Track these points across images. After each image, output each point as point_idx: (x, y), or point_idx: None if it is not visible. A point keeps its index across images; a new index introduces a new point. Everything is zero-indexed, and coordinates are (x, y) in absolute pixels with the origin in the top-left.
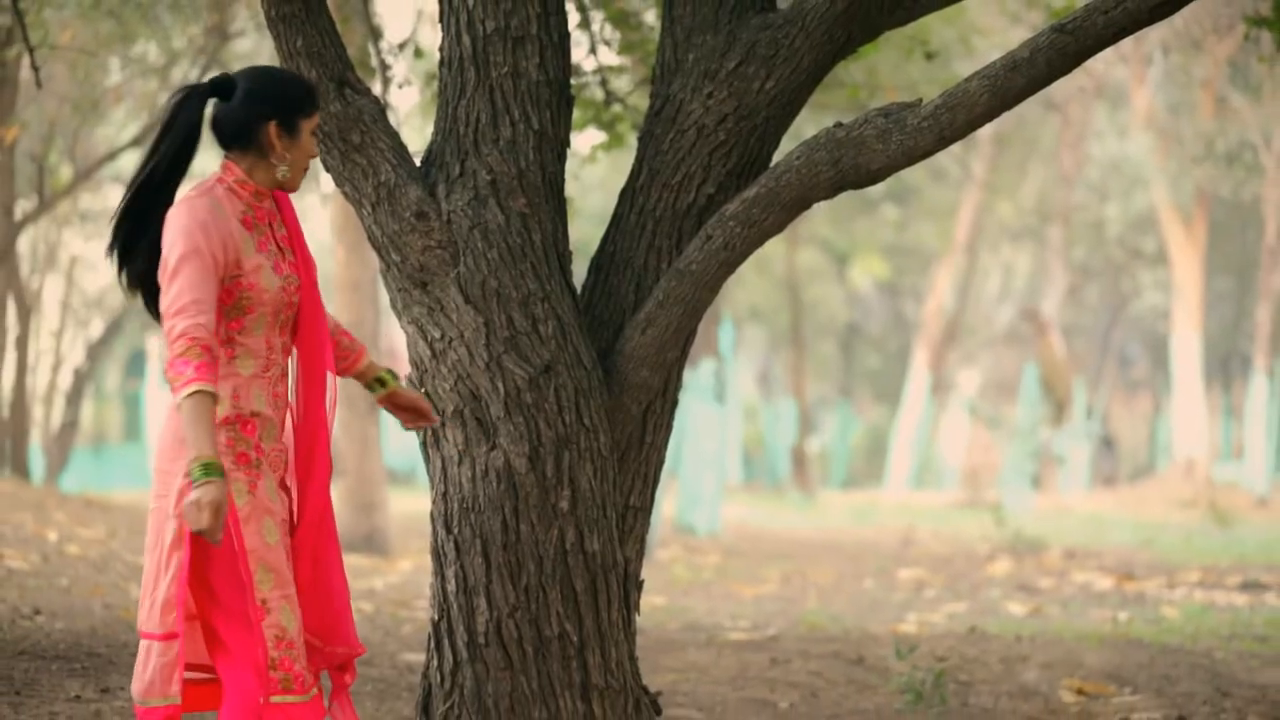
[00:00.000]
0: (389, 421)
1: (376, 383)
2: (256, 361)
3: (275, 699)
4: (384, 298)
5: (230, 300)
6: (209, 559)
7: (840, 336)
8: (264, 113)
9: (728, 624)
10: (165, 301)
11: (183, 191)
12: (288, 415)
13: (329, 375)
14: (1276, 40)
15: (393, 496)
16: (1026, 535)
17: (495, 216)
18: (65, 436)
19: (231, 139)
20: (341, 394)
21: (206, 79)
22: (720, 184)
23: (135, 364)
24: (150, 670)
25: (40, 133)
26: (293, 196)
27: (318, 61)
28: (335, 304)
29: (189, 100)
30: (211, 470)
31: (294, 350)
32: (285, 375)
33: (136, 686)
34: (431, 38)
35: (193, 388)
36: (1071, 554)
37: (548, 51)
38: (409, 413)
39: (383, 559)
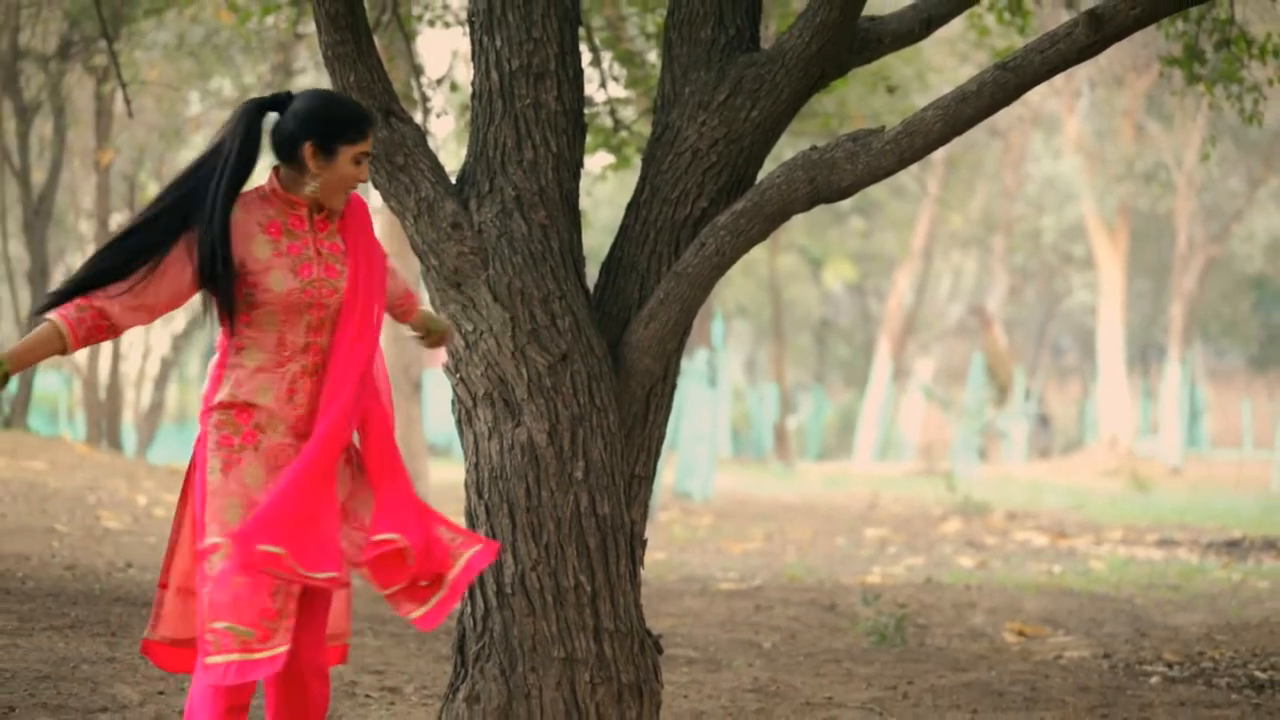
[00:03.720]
0: (429, 402)
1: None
2: (265, 355)
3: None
4: (425, 296)
5: (240, 294)
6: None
7: (815, 330)
8: (303, 132)
9: (719, 576)
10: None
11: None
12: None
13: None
14: (1186, 77)
15: (432, 467)
16: (974, 500)
17: (519, 227)
18: (153, 415)
19: (275, 150)
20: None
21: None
22: (712, 199)
23: (212, 353)
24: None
25: (131, 156)
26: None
27: (367, 94)
28: None
29: (249, 112)
30: None
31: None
32: (313, 373)
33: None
34: (465, 74)
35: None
36: (1012, 516)
37: (564, 85)
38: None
39: None
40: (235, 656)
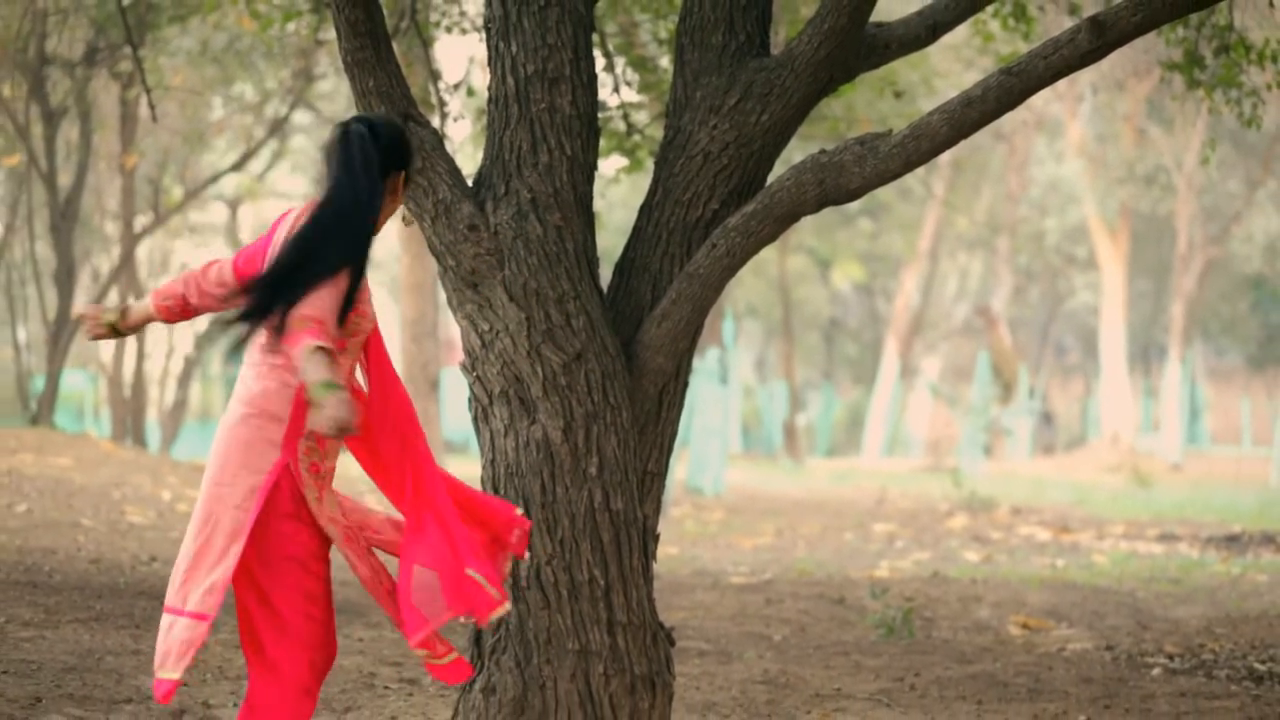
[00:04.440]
0: (446, 399)
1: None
2: (343, 382)
3: None
4: (442, 296)
5: (344, 324)
6: (266, 562)
7: (824, 329)
8: (399, 162)
9: (730, 570)
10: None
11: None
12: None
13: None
14: (1186, 81)
15: (450, 463)
16: (980, 495)
17: (535, 229)
18: (176, 413)
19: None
20: (404, 373)
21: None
22: (723, 201)
23: (235, 351)
24: (169, 642)
25: (156, 159)
26: None
27: (386, 99)
28: (402, 302)
29: (364, 136)
30: (333, 387)
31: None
32: None
33: (158, 656)
34: (482, 79)
35: (313, 343)
36: (1017, 511)
37: (578, 90)
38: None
39: None
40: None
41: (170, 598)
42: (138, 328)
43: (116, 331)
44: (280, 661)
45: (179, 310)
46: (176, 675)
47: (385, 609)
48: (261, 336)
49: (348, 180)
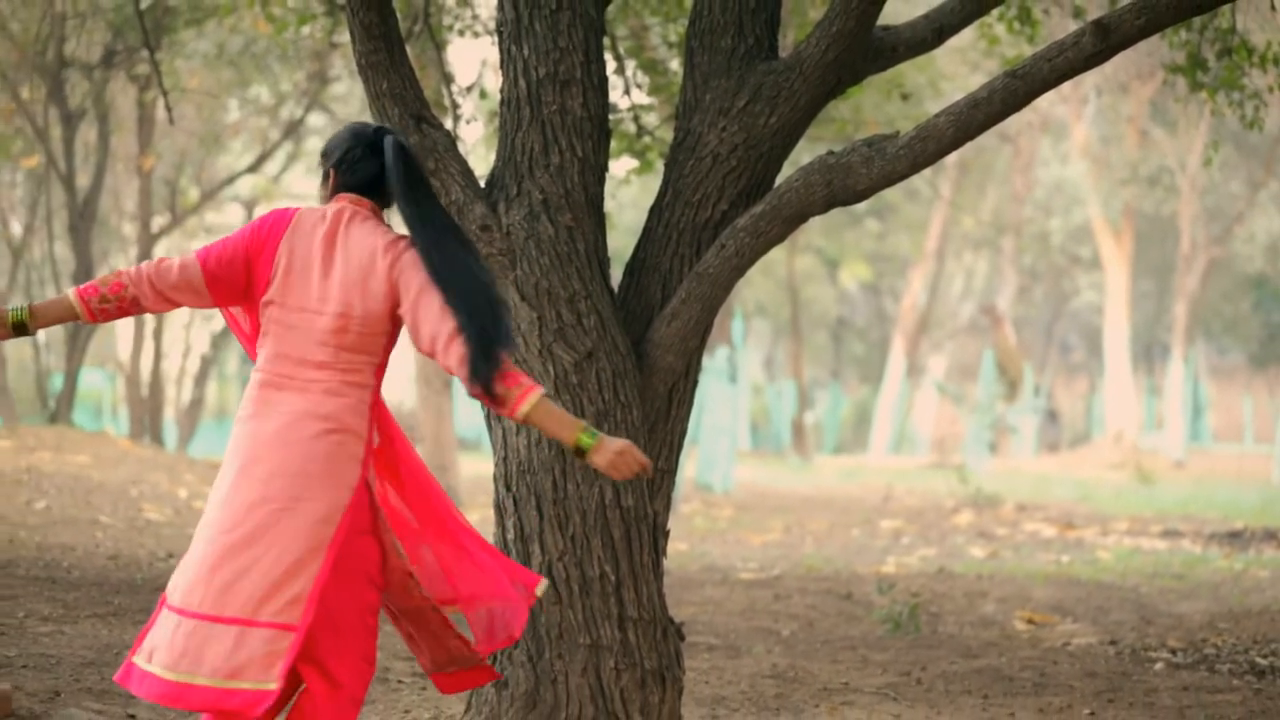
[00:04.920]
0: (459, 397)
1: None
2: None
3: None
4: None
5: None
6: (340, 577)
7: (831, 328)
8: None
9: (739, 566)
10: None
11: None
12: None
13: None
14: (1189, 84)
15: (462, 460)
16: (985, 492)
17: (546, 229)
18: (193, 411)
19: (370, 185)
20: (419, 371)
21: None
22: (732, 202)
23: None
24: (247, 653)
25: (172, 161)
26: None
27: (399, 101)
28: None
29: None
30: (592, 431)
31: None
32: None
33: (216, 664)
34: (494, 82)
35: (540, 391)
36: (1022, 507)
37: (589, 92)
38: None
39: None
40: None
41: (250, 610)
42: (49, 326)
43: (23, 331)
44: (341, 674)
45: (118, 311)
46: (271, 685)
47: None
48: (338, 352)
49: (434, 199)
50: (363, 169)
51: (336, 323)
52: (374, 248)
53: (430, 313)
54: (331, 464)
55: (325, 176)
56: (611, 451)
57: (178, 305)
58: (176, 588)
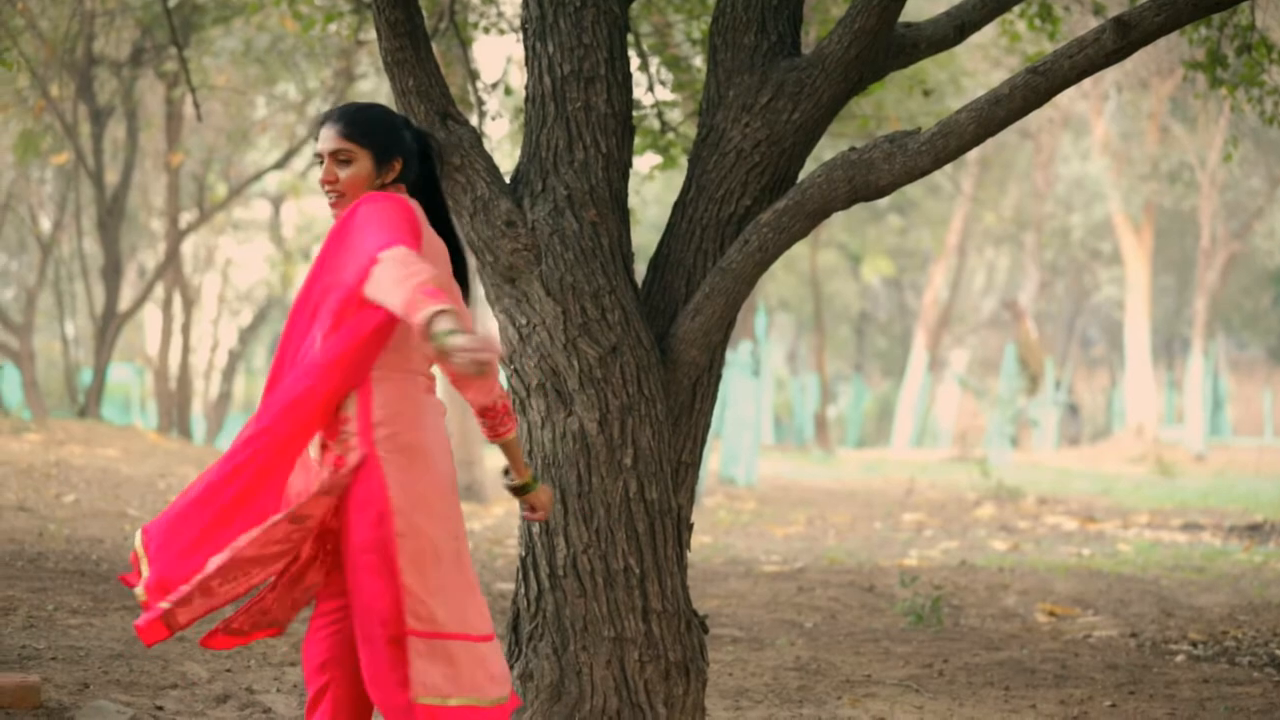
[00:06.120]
0: None
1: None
2: None
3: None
4: (480, 291)
5: None
6: None
7: (854, 322)
8: None
9: (762, 559)
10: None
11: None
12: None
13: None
14: (1209, 80)
15: (488, 454)
16: (1007, 485)
17: (571, 224)
18: (221, 405)
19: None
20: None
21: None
22: (755, 198)
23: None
24: (495, 665)
25: (200, 157)
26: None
27: (425, 98)
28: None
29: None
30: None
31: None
32: None
33: (479, 681)
34: (519, 78)
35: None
36: (1044, 500)
37: (614, 89)
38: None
39: (480, 505)
40: None
41: (472, 626)
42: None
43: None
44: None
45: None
46: (509, 690)
47: None
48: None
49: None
50: (414, 168)
51: None
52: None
53: None
54: (449, 487)
55: (384, 159)
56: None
57: None
58: (447, 620)
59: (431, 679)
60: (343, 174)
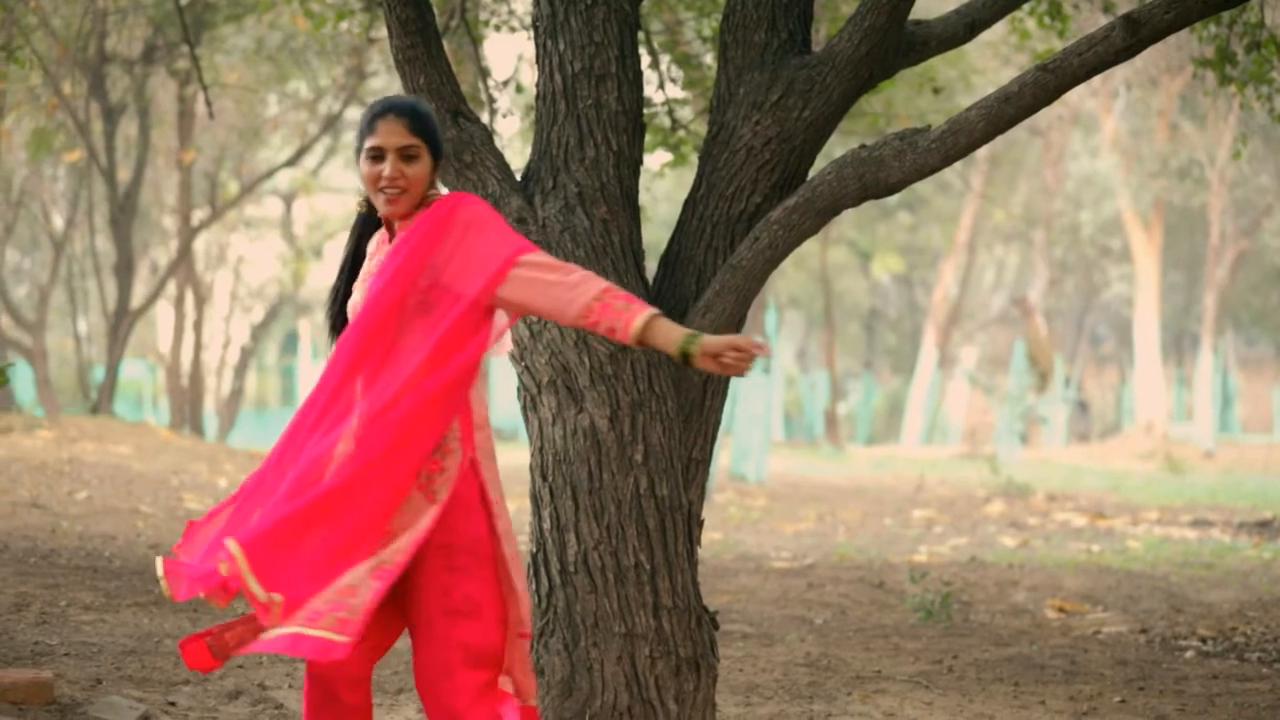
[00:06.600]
0: (495, 388)
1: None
2: None
3: None
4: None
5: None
6: None
7: (864, 319)
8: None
9: (772, 555)
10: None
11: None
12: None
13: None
14: (1218, 78)
15: (499, 451)
16: (1016, 482)
17: (581, 222)
18: (233, 401)
19: None
20: None
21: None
22: (766, 195)
23: (290, 342)
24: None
25: (212, 155)
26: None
27: (436, 95)
28: None
29: None
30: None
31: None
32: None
33: (534, 685)
34: (530, 76)
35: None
36: (1053, 497)
37: (624, 87)
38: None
39: None
40: None
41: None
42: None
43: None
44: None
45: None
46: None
47: None
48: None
49: None
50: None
51: None
52: None
53: None
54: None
55: (437, 160)
56: (710, 358)
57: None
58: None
59: (529, 685)
60: (410, 170)
